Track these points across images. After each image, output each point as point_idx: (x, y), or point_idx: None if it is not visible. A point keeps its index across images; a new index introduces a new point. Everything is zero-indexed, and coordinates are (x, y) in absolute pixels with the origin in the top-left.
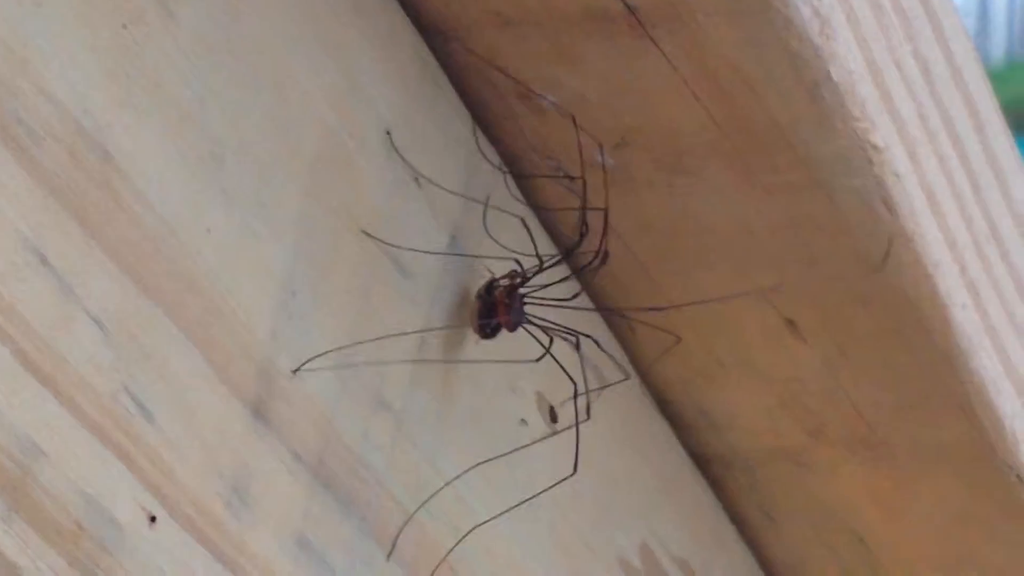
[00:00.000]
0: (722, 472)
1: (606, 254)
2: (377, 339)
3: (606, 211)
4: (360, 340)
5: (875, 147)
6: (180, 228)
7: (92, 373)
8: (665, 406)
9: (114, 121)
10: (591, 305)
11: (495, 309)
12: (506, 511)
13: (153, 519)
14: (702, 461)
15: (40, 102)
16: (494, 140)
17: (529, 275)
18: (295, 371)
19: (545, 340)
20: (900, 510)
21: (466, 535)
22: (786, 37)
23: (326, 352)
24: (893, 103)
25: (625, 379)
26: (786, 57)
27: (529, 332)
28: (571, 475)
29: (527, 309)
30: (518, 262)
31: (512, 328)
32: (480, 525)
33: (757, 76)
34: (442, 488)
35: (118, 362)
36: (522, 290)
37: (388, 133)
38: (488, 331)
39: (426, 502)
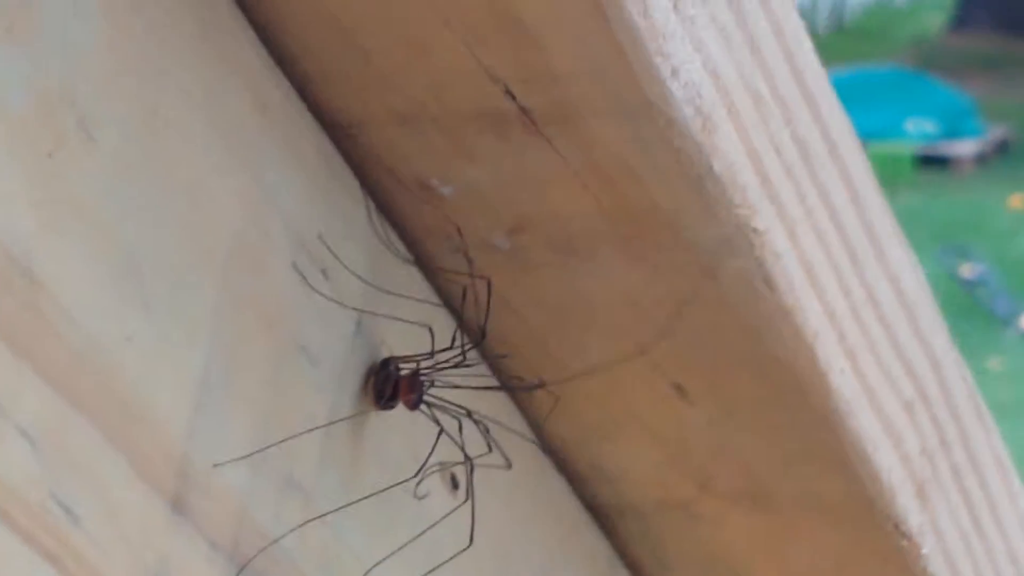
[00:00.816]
0: (616, 520)
1: (483, 333)
2: (288, 439)
3: (489, 287)
4: (273, 432)
5: (756, 231)
6: (102, 341)
7: (22, 484)
8: (561, 461)
9: (40, 245)
10: (490, 382)
11: (393, 384)
12: None
13: None
14: (596, 510)
15: None
16: (397, 226)
17: (423, 360)
18: (216, 466)
19: (439, 417)
20: (784, 557)
21: None
22: (670, 136)
23: (247, 456)
24: (773, 187)
25: (507, 467)
26: (670, 153)
27: (424, 412)
28: (467, 547)
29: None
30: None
31: (412, 407)
32: None
33: (643, 170)
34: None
35: (46, 471)
36: (422, 375)
37: (320, 237)
38: (384, 402)
39: None
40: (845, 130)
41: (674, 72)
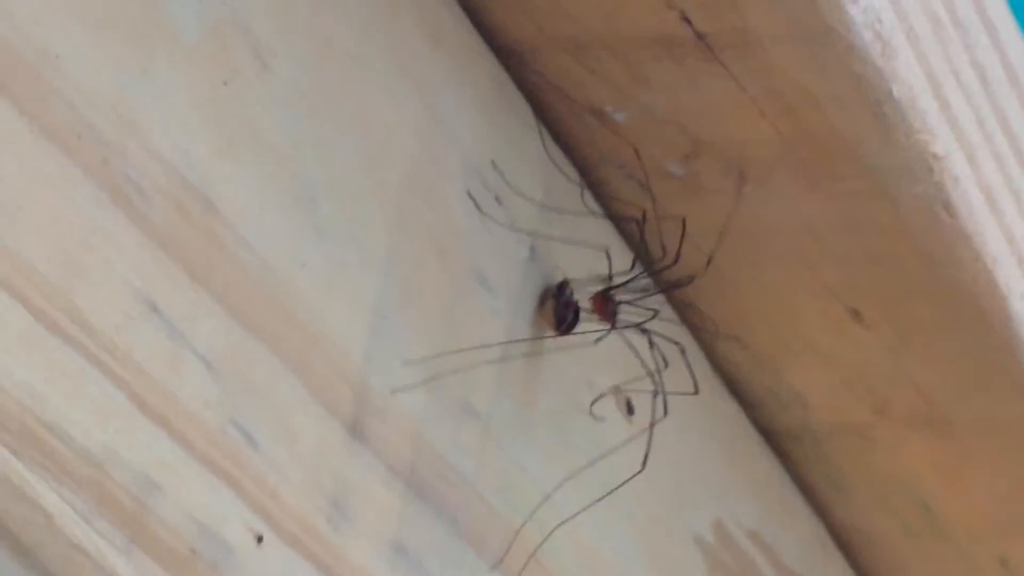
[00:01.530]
0: (790, 445)
1: (677, 255)
2: (462, 351)
3: (684, 221)
4: (449, 358)
5: (935, 156)
6: (278, 266)
7: (201, 408)
8: (734, 385)
9: (215, 172)
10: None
11: (574, 309)
12: (586, 507)
13: (260, 539)
14: (770, 435)
15: (147, 160)
16: (568, 151)
17: (616, 279)
18: (394, 392)
19: (628, 339)
20: (962, 481)
21: (552, 532)
22: (849, 60)
23: (417, 361)
24: (952, 112)
25: (695, 392)
26: (850, 78)
27: (619, 330)
28: (639, 471)
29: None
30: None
31: (610, 319)
32: (563, 523)
33: (822, 95)
34: (541, 502)
35: (224, 396)
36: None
37: (493, 164)
38: (565, 326)
39: (532, 514)
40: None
41: None
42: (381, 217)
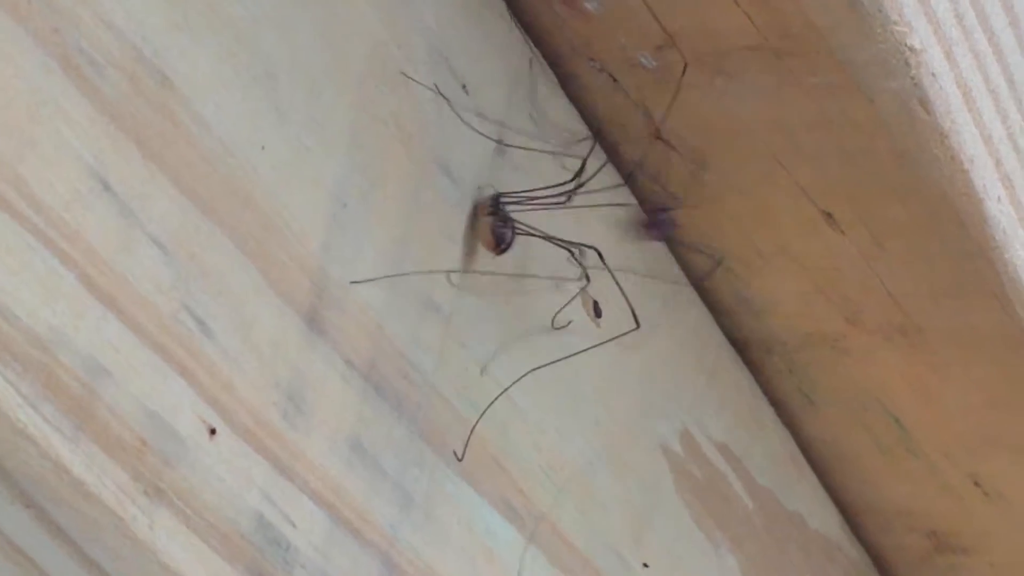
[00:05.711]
0: (762, 356)
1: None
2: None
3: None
4: (411, 250)
5: (912, 49)
6: (236, 147)
7: (153, 293)
8: (705, 293)
9: (171, 45)
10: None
11: (508, 224)
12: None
13: (213, 431)
14: (742, 346)
15: (100, 30)
16: (539, 43)
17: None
18: (353, 283)
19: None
20: (935, 393)
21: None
22: None
23: (385, 276)
24: (930, 4)
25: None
26: None
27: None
28: (635, 328)
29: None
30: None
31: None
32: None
33: None
34: (498, 395)
35: (178, 281)
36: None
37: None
38: (504, 246)
39: (485, 410)
40: None
41: None
42: (344, 100)
